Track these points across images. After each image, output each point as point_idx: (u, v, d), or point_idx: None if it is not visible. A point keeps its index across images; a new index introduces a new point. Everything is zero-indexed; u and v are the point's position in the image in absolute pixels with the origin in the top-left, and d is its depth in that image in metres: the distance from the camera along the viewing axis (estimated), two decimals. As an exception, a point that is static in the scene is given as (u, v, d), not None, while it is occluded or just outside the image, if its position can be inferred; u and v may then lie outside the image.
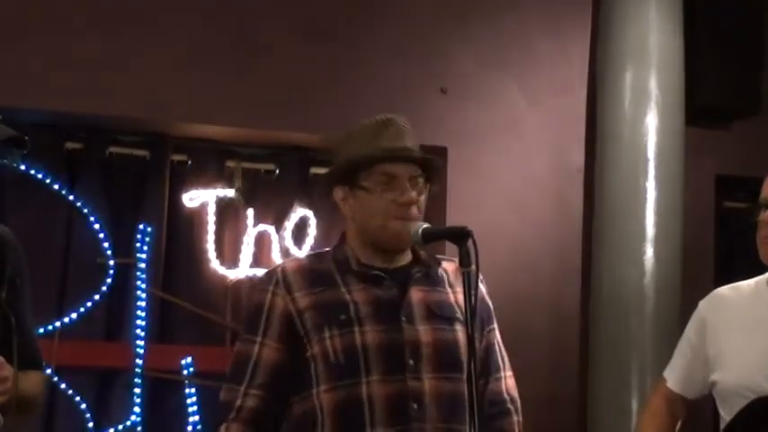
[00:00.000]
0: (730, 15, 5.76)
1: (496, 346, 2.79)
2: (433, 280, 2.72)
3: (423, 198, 2.68)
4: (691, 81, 5.58)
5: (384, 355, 2.58)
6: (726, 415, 2.96)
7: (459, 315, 2.68)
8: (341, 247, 2.73)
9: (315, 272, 2.68)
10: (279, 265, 2.74)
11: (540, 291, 5.59)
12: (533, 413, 5.40)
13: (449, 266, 2.78)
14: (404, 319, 2.62)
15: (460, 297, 2.69)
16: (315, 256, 2.78)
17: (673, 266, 5.34)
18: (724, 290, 3.11)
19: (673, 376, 3.15)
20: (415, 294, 2.67)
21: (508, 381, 2.81)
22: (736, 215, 6.00)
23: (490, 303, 2.81)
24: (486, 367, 2.74)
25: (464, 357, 2.64)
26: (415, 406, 2.56)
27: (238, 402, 2.61)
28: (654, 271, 5.29)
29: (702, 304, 3.12)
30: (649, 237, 5.31)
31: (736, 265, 5.67)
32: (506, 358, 2.83)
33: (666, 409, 3.16)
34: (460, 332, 2.65)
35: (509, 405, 2.78)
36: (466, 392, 2.60)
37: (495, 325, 2.80)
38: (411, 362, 2.58)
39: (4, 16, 5.00)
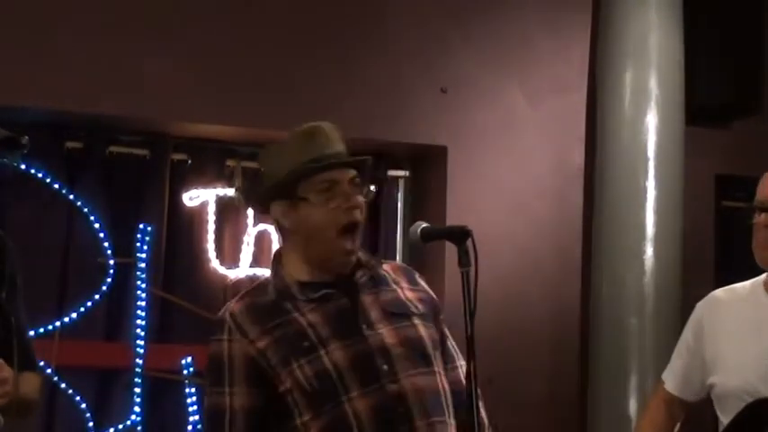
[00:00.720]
0: (730, 15, 5.76)
1: (447, 337, 2.78)
2: (377, 281, 2.70)
3: (362, 200, 2.65)
4: (691, 81, 5.58)
5: (357, 369, 2.55)
6: (723, 418, 2.96)
7: (413, 309, 2.68)
8: (278, 275, 2.67)
9: (263, 307, 2.62)
10: (225, 310, 2.66)
11: (540, 291, 5.59)
12: (533, 413, 5.45)
13: (386, 267, 2.77)
14: (364, 326, 2.60)
15: (408, 292, 2.72)
16: (257, 289, 2.70)
17: (673, 266, 5.34)
18: (720, 292, 3.12)
19: (671, 379, 3.16)
20: (366, 299, 2.65)
21: (464, 369, 2.77)
22: (736, 215, 5.99)
23: (434, 296, 2.80)
24: (444, 357, 2.73)
25: (430, 350, 2.65)
26: (401, 409, 2.55)
27: None
28: (654, 271, 5.30)
29: (699, 307, 3.13)
30: (649, 236, 5.32)
31: (735, 265, 5.63)
32: (457, 348, 2.80)
33: (665, 411, 3.17)
34: (420, 326, 2.66)
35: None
36: (439, 384, 2.63)
37: (443, 317, 2.79)
38: (384, 367, 2.57)
39: (3, 16, 5.00)
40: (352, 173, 2.66)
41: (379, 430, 2.54)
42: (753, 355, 2.92)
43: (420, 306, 2.71)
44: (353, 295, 2.65)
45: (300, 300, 2.62)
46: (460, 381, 2.70)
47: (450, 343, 2.78)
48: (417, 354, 2.62)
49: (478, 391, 2.74)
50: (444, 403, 2.64)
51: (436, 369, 2.65)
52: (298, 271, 2.66)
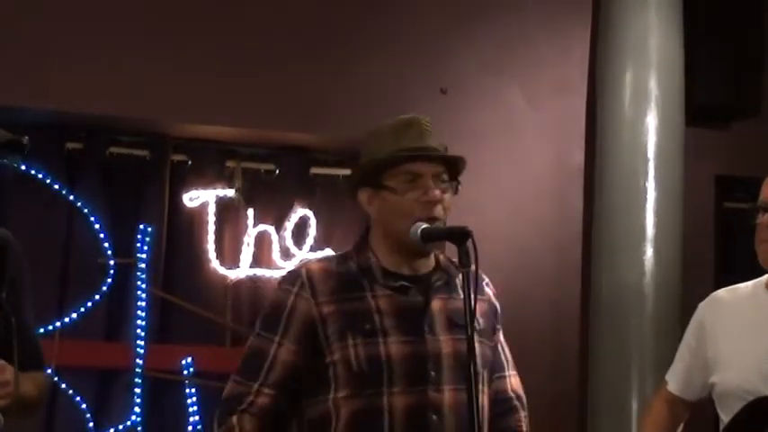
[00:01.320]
0: (730, 16, 5.76)
1: (500, 347, 2.80)
2: (451, 287, 2.71)
3: (447, 196, 2.66)
4: (691, 81, 5.58)
5: (407, 367, 2.56)
6: (725, 417, 2.97)
7: (475, 324, 2.64)
8: (364, 253, 2.69)
9: (340, 276, 2.65)
10: (303, 266, 2.70)
11: (540, 291, 5.59)
12: (533, 413, 5.41)
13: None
14: (426, 329, 2.61)
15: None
16: (339, 258, 2.73)
17: (673, 266, 5.34)
18: (722, 292, 3.12)
19: (673, 379, 3.16)
20: (436, 304, 2.66)
21: (512, 379, 2.82)
22: (736, 215, 5.99)
23: (498, 305, 2.81)
24: (492, 367, 2.75)
25: (481, 368, 2.65)
26: (435, 417, 2.56)
27: (250, 398, 2.59)
28: (654, 271, 5.29)
29: (701, 307, 3.13)
30: (649, 237, 5.31)
31: (735, 265, 5.67)
32: (510, 357, 2.84)
33: (668, 411, 3.17)
34: (477, 342, 2.63)
35: (515, 402, 2.78)
36: (481, 402, 2.62)
37: (500, 326, 2.82)
38: (433, 373, 2.58)
39: (4, 16, 5.00)
40: (439, 168, 2.67)
41: (409, 431, 2.55)
42: (753, 354, 2.92)
43: (482, 321, 2.71)
44: (426, 296, 2.65)
45: (379, 282, 2.63)
46: (505, 390, 2.76)
47: (503, 352, 2.80)
48: (466, 369, 2.59)
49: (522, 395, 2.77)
50: (477, 422, 2.63)
51: (482, 388, 2.65)
52: (382, 256, 2.67)
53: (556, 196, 5.68)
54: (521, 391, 2.81)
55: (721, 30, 5.75)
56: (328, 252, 5.23)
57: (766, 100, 5.92)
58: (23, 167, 5.01)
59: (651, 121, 5.40)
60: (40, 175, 5.12)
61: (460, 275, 2.70)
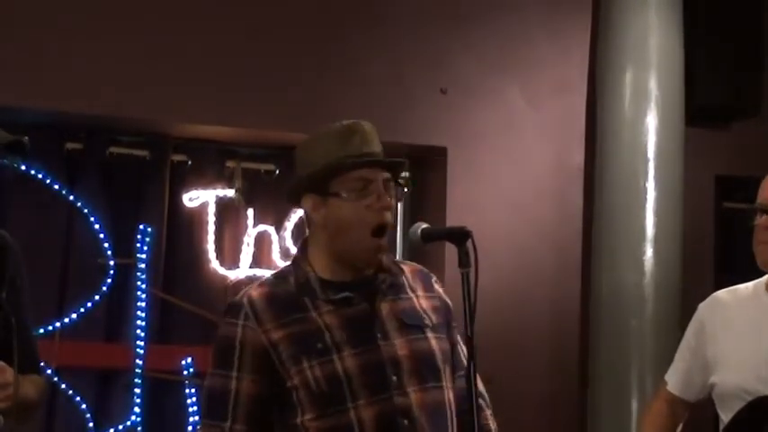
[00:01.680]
0: (730, 16, 5.76)
1: (458, 345, 2.75)
2: (397, 288, 2.68)
3: (394, 202, 2.65)
4: (691, 81, 5.58)
5: (367, 378, 2.54)
6: (724, 417, 2.97)
7: (426, 321, 2.66)
8: (302, 267, 2.65)
9: (282, 298, 2.61)
10: (244, 295, 2.64)
11: (540, 291, 5.59)
12: (533, 413, 5.46)
13: (406, 269, 2.75)
14: (379, 335, 2.59)
15: (423, 301, 2.70)
16: (278, 278, 2.68)
17: (672, 266, 5.34)
18: (722, 293, 3.13)
19: (673, 379, 3.17)
20: (384, 307, 2.63)
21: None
22: (736, 215, 5.99)
23: (449, 302, 2.77)
24: (452, 366, 2.71)
25: (441, 364, 2.63)
26: (406, 422, 2.54)
27: None
28: (654, 271, 5.30)
29: (701, 308, 3.14)
30: (649, 237, 5.32)
31: (735, 266, 5.67)
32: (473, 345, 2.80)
33: (668, 411, 3.18)
34: (432, 338, 2.64)
35: (480, 400, 2.72)
36: (445, 399, 2.62)
37: (456, 324, 2.76)
38: (394, 378, 2.56)
39: (4, 16, 5.00)
40: (387, 174, 2.64)
41: None
42: (754, 355, 2.93)
43: (434, 317, 2.69)
44: (372, 301, 2.63)
45: (320, 298, 2.61)
46: (468, 382, 2.67)
47: (461, 350, 2.75)
48: (427, 368, 2.61)
49: (484, 393, 2.76)
50: (449, 419, 2.63)
51: (444, 384, 2.63)
52: (321, 267, 2.64)
53: (556, 196, 5.68)
54: (482, 388, 2.76)
55: (721, 30, 5.75)
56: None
57: (766, 100, 5.92)
58: (23, 167, 5.00)
59: (651, 121, 5.40)
60: (40, 175, 5.12)
61: (407, 275, 2.71)
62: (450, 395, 2.65)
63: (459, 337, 2.76)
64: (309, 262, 2.65)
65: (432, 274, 2.80)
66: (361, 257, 2.63)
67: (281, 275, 2.69)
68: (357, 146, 2.62)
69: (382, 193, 2.61)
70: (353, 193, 2.59)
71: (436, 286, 2.78)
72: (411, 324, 2.63)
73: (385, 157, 2.67)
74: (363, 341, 2.57)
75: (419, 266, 2.81)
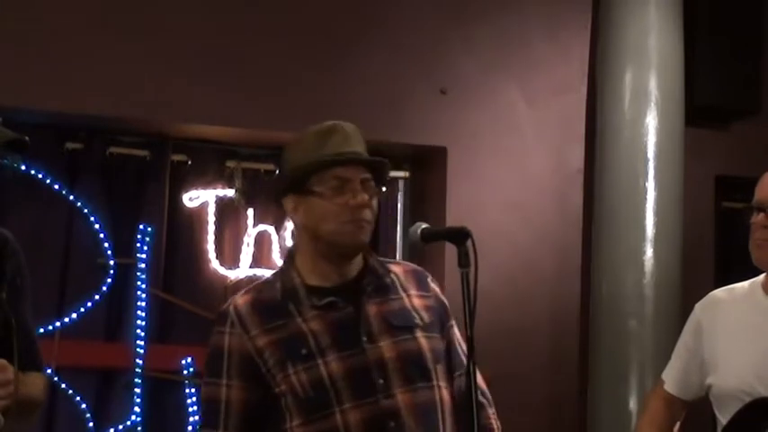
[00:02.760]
0: (730, 15, 5.76)
1: (456, 344, 2.74)
2: (384, 289, 2.67)
3: (374, 201, 2.64)
4: (691, 81, 5.58)
5: (352, 381, 2.54)
6: (722, 418, 2.97)
7: (417, 320, 2.65)
8: (288, 273, 2.67)
9: (267, 305, 2.62)
10: (230, 303, 2.67)
11: (540, 291, 5.59)
12: (533, 413, 5.46)
13: (397, 269, 2.75)
14: (365, 338, 2.58)
15: (416, 300, 2.69)
16: (264, 285, 2.70)
17: (673, 266, 5.34)
18: (719, 292, 3.12)
19: (670, 378, 3.17)
20: (371, 309, 2.62)
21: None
22: (736, 215, 5.98)
23: (446, 301, 2.77)
24: (450, 365, 2.71)
25: (431, 364, 2.62)
26: (393, 424, 2.53)
27: None
28: (654, 271, 5.30)
29: (698, 307, 3.14)
30: (649, 237, 5.32)
31: (735, 265, 5.67)
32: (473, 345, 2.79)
33: (665, 410, 3.18)
34: (422, 338, 2.64)
35: (481, 398, 2.72)
36: (437, 399, 2.61)
37: (454, 322, 2.76)
38: (380, 381, 2.55)
39: (3, 16, 5.00)
40: (366, 174, 2.64)
41: None
42: (750, 355, 2.92)
43: (426, 316, 2.68)
44: (358, 304, 2.63)
45: (305, 304, 2.61)
46: (468, 382, 2.66)
47: (460, 350, 2.73)
48: (415, 368, 2.60)
49: (486, 392, 2.75)
50: (440, 418, 2.62)
51: (435, 383, 2.63)
52: (307, 272, 2.65)
53: (556, 196, 5.68)
54: (484, 387, 2.76)
55: (721, 30, 5.75)
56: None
57: (766, 100, 5.92)
58: (23, 167, 5.01)
59: (651, 121, 5.40)
60: (40, 175, 5.12)
61: (394, 273, 2.70)
62: (442, 394, 2.64)
63: (458, 336, 2.75)
64: (297, 268, 2.67)
65: (427, 273, 2.79)
66: (345, 240, 2.62)
67: (267, 283, 2.72)
68: (336, 145, 2.63)
69: (358, 191, 2.61)
70: (330, 191, 2.60)
71: (432, 285, 2.77)
72: (399, 325, 2.63)
73: (371, 157, 2.67)
74: (349, 345, 2.58)
75: (413, 266, 2.81)
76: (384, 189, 2.75)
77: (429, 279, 2.78)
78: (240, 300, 2.66)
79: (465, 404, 2.55)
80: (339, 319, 2.60)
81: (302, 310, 2.61)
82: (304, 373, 2.55)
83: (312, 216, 2.63)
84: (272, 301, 2.64)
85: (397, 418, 2.54)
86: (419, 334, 2.64)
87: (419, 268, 2.81)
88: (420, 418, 2.57)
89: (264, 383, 2.57)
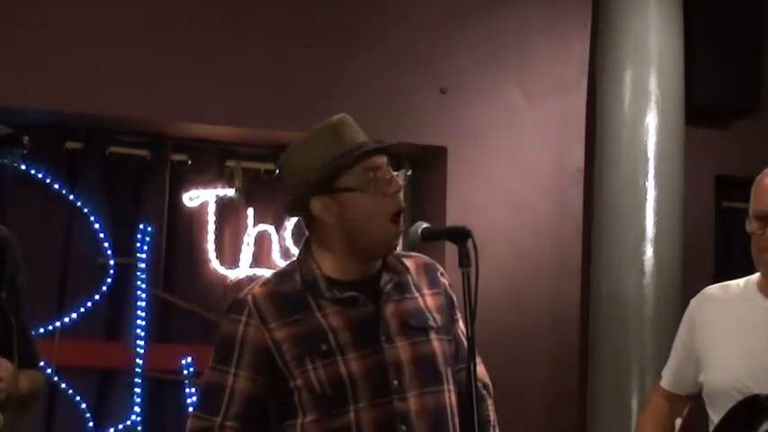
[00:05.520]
0: (730, 15, 5.76)
1: (462, 336, 2.72)
2: (401, 288, 2.66)
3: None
4: (691, 81, 5.58)
5: (370, 381, 2.53)
6: (714, 415, 2.97)
7: (431, 322, 2.64)
8: (307, 264, 2.63)
9: (286, 297, 2.59)
10: (248, 292, 2.62)
11: (540, 291, 5.59)
12: (533, 413, 5.46)
13: (410, 264, 2.73)
14: (383, 338, 2.57)
15: (429, 299, 2.68)
16: (282, 276, 2.65)
17: (673, 266, 5.34)
18: (713, 289, 3.12)
19: (667, 375, 3.18)
20: (389, 308, 2.61)
21: (478, 367, 2.71)
22: (736, 215, 5.97)
23: (453, 295, 2.75)
24: (456, 358, 2.69)
25: (442, 367, 2.62)
26: (404, 427, 2.53)
27: None
28: (654, 271, 5.30)
29: (693, 303, 3.14)
30: (649, 237, 5.32)
31: (735, 265, 5.63)
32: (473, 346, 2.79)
33: (665, 407, 3.18)
34: (435, 341, 2.63)
35: (482, 390, 2.72)
36: (446, 402, 2.61)
37: (459, 315, 2.74)
38: (396, 382, 2.55)
39: (3, 17, 5.00)
40: (385, 158, 2.64)
41: None
42: (743, 353, 2.93)
43: (439, 318, 2.66)
44: (377, 302, 2.61)
45: (326, 297, 2.58)
46: (468, 380, 2.66)
47: (463, 341, 2.69)
48: (429, 372, 2.60)
49: (488, 383, 2.76)
50: (450, 422, 2.61)
51: (446, 387, 2.62)
52: (328, 266, 2.62)
53: (556, 196, 5.68)
54: (487, 379, 2.77)
55: (721, 29, 5.75)
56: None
57: (766, 100, 5.92)
58: (23, 167, 5.01)
59: (651, 120, 5.40)
60: (40, 175, 5.12)
61: (411, 272, 2.69)
62: (451, 397, 2.64)
63: (463, 328, 2.71)
64: (316, 260, 2.63)
65: (438, 266, 2.77)
66: (382, 246, 2.61)
67: (284, 273, 2.67)
68: (351, 139, 2.62)
69: (390, 178, 2.61)
70: (365, 183, 2.58)
71: (442, 279, 2.75)
72: (415, 326, 2.62)
73: (389, 143, 2.67)
74: (367, 343, 2.56)
75: (424, 259, 2.79)
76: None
77: (439, 273, 2.76)
78: (258, 290, 2.61)
79: (466, 399, 2.56)
80: (359, 316, 2.58)
81: (321, 304, 2.58)
82: (322, 370, 2.53)
83: (350, 214, 2.59)
84: (292, 292, 2.60)
85: (407, 421, 2.54)
86: (433, 336, 2.64)
87: (430, 261, 2.79)
88: (430, 422, 2.56)
89: (277, 378, 2.54)
